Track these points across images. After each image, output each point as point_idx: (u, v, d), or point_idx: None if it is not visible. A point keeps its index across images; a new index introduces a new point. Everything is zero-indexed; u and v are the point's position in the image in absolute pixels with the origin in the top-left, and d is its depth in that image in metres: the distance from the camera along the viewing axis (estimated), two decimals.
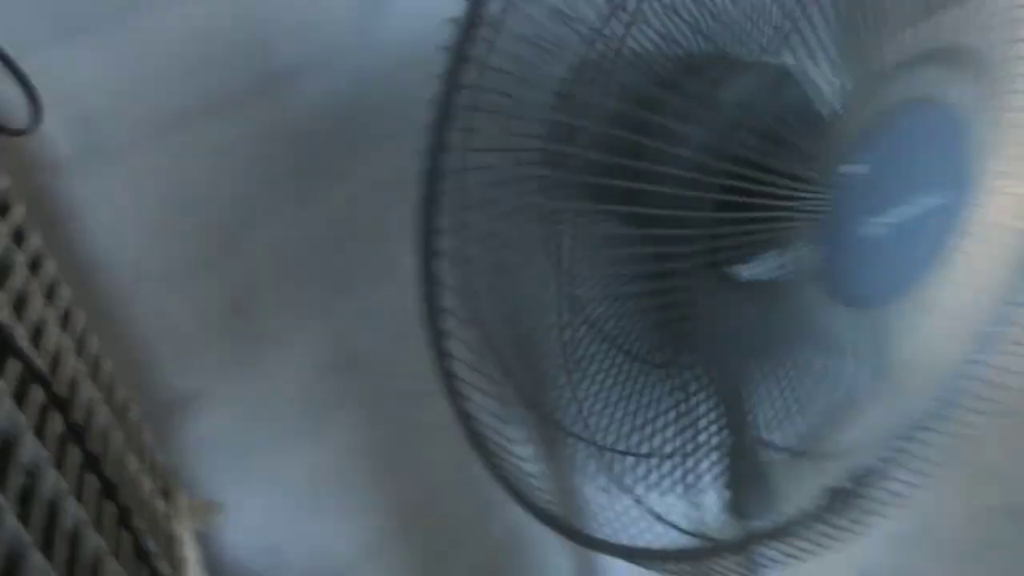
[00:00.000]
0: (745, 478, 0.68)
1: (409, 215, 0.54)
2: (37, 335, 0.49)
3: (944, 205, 0.47)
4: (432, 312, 0.52)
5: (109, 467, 0.53)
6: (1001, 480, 1.47)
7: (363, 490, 1.00)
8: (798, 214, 0.43)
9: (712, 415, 0.62)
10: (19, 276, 0.49)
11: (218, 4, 0.73)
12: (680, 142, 0.44)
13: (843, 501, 0.66)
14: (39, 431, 0.43)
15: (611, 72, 0.44)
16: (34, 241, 0.56)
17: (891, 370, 0.52)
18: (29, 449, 0.41)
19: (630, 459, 0.65)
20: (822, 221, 0.44)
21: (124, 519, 0.51)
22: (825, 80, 0.45)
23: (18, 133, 0.50)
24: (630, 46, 0.44)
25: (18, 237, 0.53)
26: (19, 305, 0.48)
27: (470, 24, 0.40)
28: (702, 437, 0.64)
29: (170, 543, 0.62)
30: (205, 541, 0.79)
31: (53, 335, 0.52)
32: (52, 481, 0.42)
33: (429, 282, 0.50)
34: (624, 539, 0.66)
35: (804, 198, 0.43)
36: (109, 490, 0.50)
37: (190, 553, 0.64)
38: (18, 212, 0.55)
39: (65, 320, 0.57)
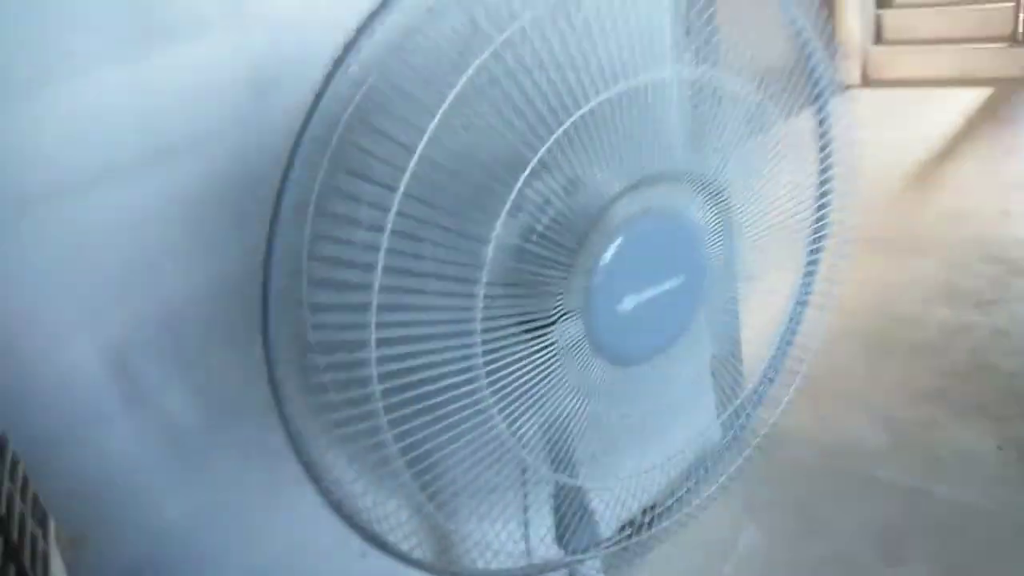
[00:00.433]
0: (562, 511, 0.80)
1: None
2: None
3: (681, 285, 0.62)
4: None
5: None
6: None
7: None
8: (568, 295, 0.57)
9: (529, 456, 0.74)
10: None
11: (114, 88, 0.85)
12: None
13: (636, 531, 0.79)
14: None
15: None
16: None
17: (653, 415, 0.66)
18: None
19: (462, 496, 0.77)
20: (587, 297, 0.58)
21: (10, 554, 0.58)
22: (596, 189, 0.60)
23: None
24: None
25: None
26: None
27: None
28: (527, 474, 0.76)
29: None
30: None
31: None
32: None
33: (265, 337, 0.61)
34: (462, 565, 0.77)
35: (569, 282, 0.57)
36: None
37: None
38: None
39: None
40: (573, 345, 0.60)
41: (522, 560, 0.75)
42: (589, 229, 0.57)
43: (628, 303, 0.59)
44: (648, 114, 0.56)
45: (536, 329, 0.58)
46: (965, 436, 1.86)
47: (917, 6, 4.61)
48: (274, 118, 0.94)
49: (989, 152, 3.44)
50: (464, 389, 0.56)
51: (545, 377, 0.60)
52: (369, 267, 0.54)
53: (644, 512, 0.79)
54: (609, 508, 0.78)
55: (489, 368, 0.56)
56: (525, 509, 0.72)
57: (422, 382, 0.58)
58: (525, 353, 0.58)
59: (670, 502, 0.80)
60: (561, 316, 0.59)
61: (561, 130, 0.51)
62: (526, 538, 0.74)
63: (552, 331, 0.58)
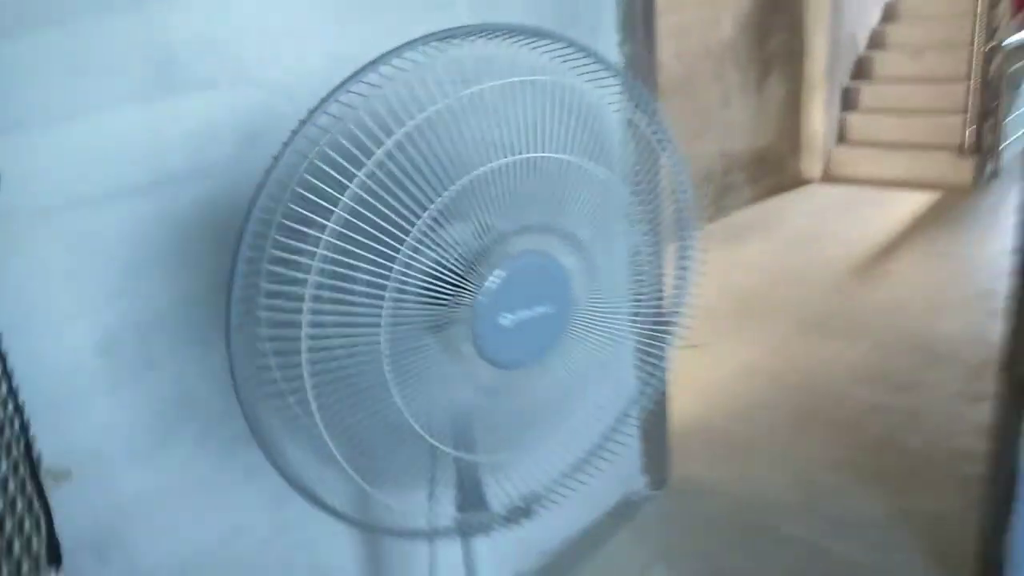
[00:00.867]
0: (464, 488, 0.97)
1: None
2: None
3: (550, 313, 0.82)
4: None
5: None
6: None
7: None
8: (461, 307, 0.77)
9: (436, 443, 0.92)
10: None
11: (130, 124, 1.05)
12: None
13: (519, 512, 0.97)
14: None
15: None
16: None
17: (533, 411, 0.85)
18: None
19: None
20: (474, 312, 0.77)
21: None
22: (488, 231, 0.80)
23: None
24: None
25: None
26: None
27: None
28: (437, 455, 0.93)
29: None
30: None
31: None
32: None
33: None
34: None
35: (463, 298, 0.76)
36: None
37: None
38: None
39: None
40: (462, 347, 0.79)
41: (426, 523, 0.92)
42: (479, 261, 0.77)
43: (506, 321, 0.79)
44: (529, 180, 0.76)
45: (433, 329, 0.78)
46: (867, 503, 2.04)
47: (880, 111, 4.97)
48: (260, 161, 1.14)
49: (928, 252, 3.71)
50: (371, 370, 0.74)
51: (438, 369, 0.78)
52: (305, 282, 0.73)
53: (527, 496, 0.96)
54: (499, 486, 0.95)
55: (393, 352, 0.75)
56: (432, 480, 0.90)
57: (343, 367, 0.76)
58: (424, 348, 0.77)
59: (546, 489, 0.98)
60: (452, 323, 0.78)
61: (457, 186, 0.72)
62: (431, 503, 0.92)
63: (445, 334, 0.77)
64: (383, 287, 0.72)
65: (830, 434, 2.37)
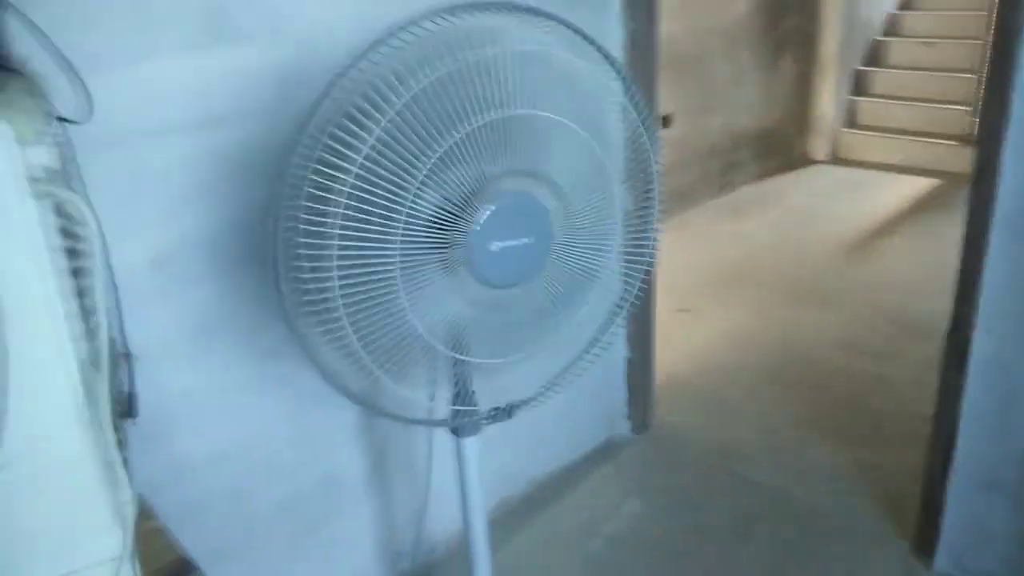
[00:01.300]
0: (458, 386, 1.16)
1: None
2: None
3: (532, 243, 0.99)
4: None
5: None
6: None
7: None
8: (459, 233, 0.95)
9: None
10: None
11: (182, 70, 1.23)
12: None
13: (502, 412, 1.15)
14: None
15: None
16: None
17: (519, 324, 1.03)
18: None
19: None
20: (469, 239, 0.95)
21: None
22: (483, 173, 0.97)
23: (77, 123, 0.96)
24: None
25: None
26: None
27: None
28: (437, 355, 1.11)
29: None
30: None
31: None
32: None
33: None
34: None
35: (460, 226, 0.94)
36: None
37: None
38: None
39: None
40: (459, 268, 0.97)
41: (426, 414, 1.11)
42: (474, 196, 0.94)
43: (495, 247, 0.97)
44: (518, 133, 0.93)
45: (436, 251, 0.96)
46: (829, 456, 2.23)
47: (889, 98, 5.07)
48: (293, 106, 1.33)
49: (921, 233, 3.85)
50: (388, 286, 0.93)
51: (439, 285, 0.96)
52: (333, 214, 0.91)
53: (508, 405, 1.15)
54: (489, 386, 1.14)
55: (404, 270, 0.93)
56: (432, 384, 1.09)
57: (365, 282, 0.94)
58: (428, 266, 0.95)
59: (524, 398, 1.16)
60: (452, 247, 0.96)
61: (458, 135, 0.89)
62: (431, 398, 1.11)
63: (446, 255, 0.95)
64: (398, 212, 0.90)
65: (802, 393, 2.55)
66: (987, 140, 1.55)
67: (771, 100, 4.82)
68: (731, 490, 2.12)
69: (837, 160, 5.12)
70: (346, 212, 0.92)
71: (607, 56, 1.04)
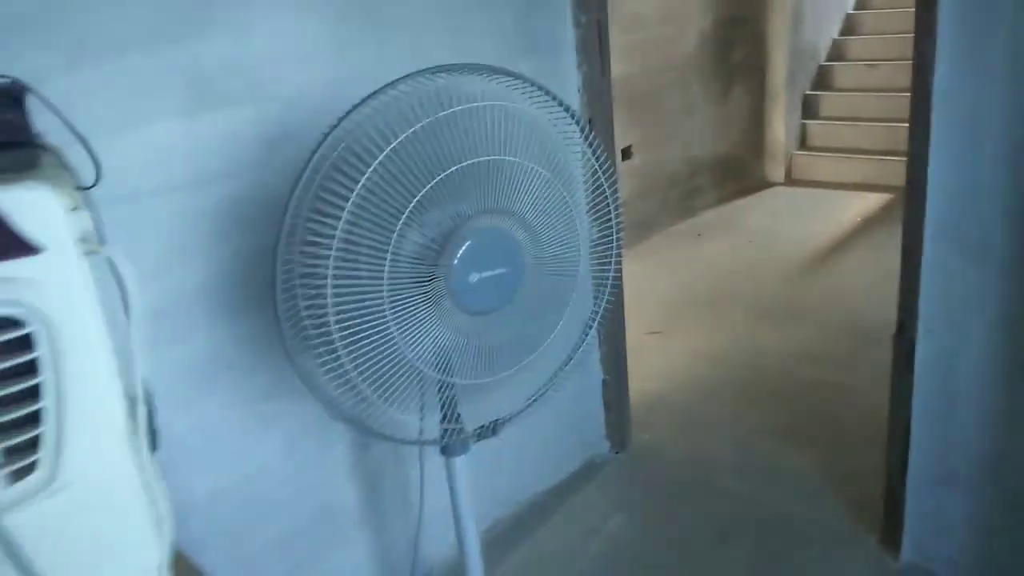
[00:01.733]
0: (445, 407, 1.25)
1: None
2: None
3: (506, 273, 1.11)
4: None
5: None
6: None
7: None
8: (440, 267, 1.06)
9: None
10: None
11: (175, 134, 1.34)
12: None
13: (487, 429, 1.25)
14: None
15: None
16: None
17: (499, 347, 1.14)
18: None
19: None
20: (450, 272, 1.06)
21: None
22: (458, 213, 1.09)
23: (87, 188, 1.05)
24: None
25: None
26: None
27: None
28: (422, 377, 1.21)
29: None
30: None
31: None
32: None
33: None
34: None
35: (442, 260, 1.05)
36: None
37: None
38: None
39: None
40: (442, 299, 1.08)
41: (416, 435, 1.21)
42: (452, 234, 1.06)
43: (473, 278, 1.08)
44: (487, 176, 1.05)
45: (420, 285, 1.06)
46: (798, 463, 2.35)
47: (838, 119, 5.31)
48: (280, 163, 1.44)
49: (874, 247, 4.04)
50: (377, 319, 1.03)
51: (425, 316, 1.07)
52: (326, 257, 1.02)
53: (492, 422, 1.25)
54: (474, 408, 1.24)
55: (392, 303, 1.04)
56: (422, 406, 1.19)
57: (358, 313, 1.05)
58: (414, 300, 1.06)
59: (507, 416, 1.26)
60: (434, 280, 1.07)
61: (435, 181, 1.01)
62: (421, 419, 1.21)
63: (429, 288, 1.06)
64: (383, 251, 1.01)
65: (771, 406, 2.67)
66: (914, 157, 1.71)
67: (726, 127, 5.03)
68: (707, 499, 2.22)
69: (792, 181, 5.33)
70: (336, 255, 1.03)
71: (566, 107, 1.17)
